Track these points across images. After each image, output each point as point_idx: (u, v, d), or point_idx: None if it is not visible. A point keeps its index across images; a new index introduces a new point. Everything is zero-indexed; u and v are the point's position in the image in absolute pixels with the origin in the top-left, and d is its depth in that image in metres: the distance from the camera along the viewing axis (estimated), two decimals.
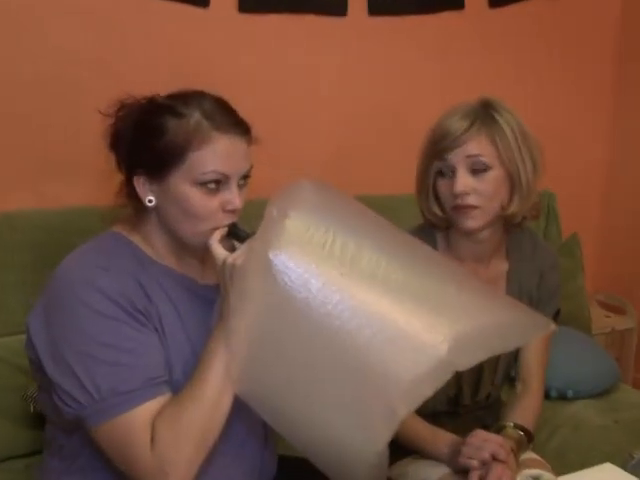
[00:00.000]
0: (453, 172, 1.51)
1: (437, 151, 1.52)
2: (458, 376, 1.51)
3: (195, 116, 1.23)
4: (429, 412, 1.56)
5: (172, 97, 1.29)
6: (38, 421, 1.63)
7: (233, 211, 1.26)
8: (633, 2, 2.68)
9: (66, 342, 1.18)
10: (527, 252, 1.65)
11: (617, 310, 2.88)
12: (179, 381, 1.23)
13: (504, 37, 2.49)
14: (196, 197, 1.23)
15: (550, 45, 2.59)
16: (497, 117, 1.51)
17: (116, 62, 1.96)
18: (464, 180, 1.49)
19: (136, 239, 1.31)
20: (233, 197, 1.25)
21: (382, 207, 1.85)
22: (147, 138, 1.25)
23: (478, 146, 1.49)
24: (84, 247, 1.29)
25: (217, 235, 1.25)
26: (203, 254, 1.36)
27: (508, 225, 1.59)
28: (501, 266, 1.64)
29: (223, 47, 2.09)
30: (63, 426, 1.27)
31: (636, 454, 1.44)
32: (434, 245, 1.62)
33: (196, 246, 1.29)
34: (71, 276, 1.21)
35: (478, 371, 1.62)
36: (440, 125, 1.53)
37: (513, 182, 1.53)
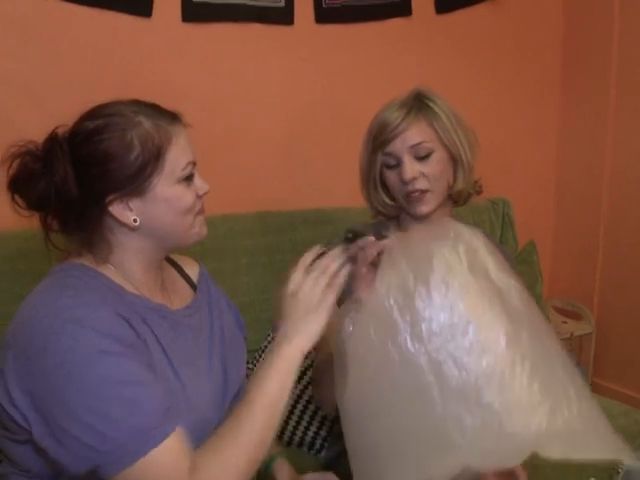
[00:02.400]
0: (398, 161, 1.55)
1: (379, 143, 1.56)
2: None
3: (144, 120, 1.18)
4: None
5: (99, 115, 1.19)
6: None
7: (204, 195, 1.26)
8: (573, 6, 2.71)
9: (62, 393, 1.05)
10: None
11: (573, 315, 2.87)
12: None
13: (451, 42, 2.48)
14: (182, 193, 1.21)
15: (496, 49, 2.59)
16: (431, 104, 1.57)
17: (52, 74, 1.87)
18: (411, 167, 1.54)
19: (104, 270, 1.21)
20: (201, 182, 1.26)
21: (333, 219, 1.82)
22: (109, 162, 1.16)
23: (419, 133, 1.54)
24: (47, 287, 1.17)
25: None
26: (162, 274, 1.33)
27: (456, 204, 1.66)
28: None
29: (167, 57, 2.02)
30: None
31: (621, 467, 1.40)
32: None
33: (187, 243, 1.27)
34: (50, 323, 1.08)
35: None
36: (378, 118, 1.58)
37: (455, 161, 1.60)
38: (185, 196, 1.21)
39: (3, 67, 1.81)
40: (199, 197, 1.26)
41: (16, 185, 1.18)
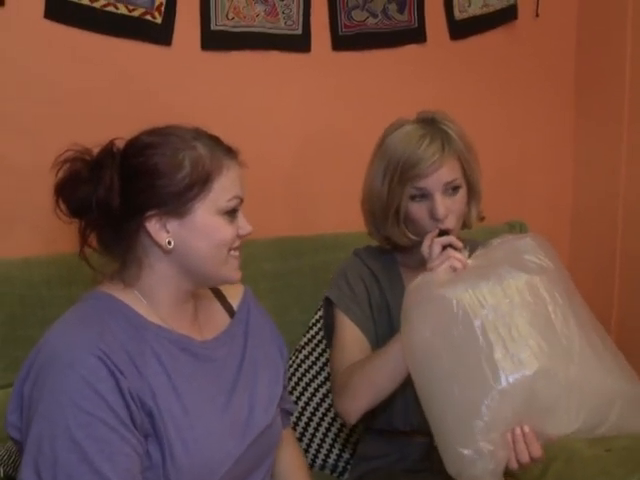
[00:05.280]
0: (428, 196, 1.53)
1: (412, 176, 1.52)
2: None
3: (200, 146, 1.21)
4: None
5: (159, 133, 1.23)
6: None
7: (245, 236, 1.26)
8: (586, 31, 2.72)
9: (39, 424, 1.09)
10: None
11: None
12: (180, 458, 1.15)
13: (465, 68, 2.49)
14: (222, 226, 1.21)
15: (511, 75, 2.60)
16: (450, 132, 1.56)
17: (77, 103, 1.89)
18: (443, 204, 1.52)
19: (129, 298, 1.23)
20: (244, 222, 1.26)
21: (351, 243, 1.83)
22: (156, 177, 1.19)
23: (452, 170, 1.54)
24: (68, 318, 1.20)
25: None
26: (197, 301, 1.32)
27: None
28: None
29: (186, 85, 2.04)
30: None
31: None
32: (395, 264, 1.69)
33: (215, 280, 1.28)
34: (54, 356, 1.13)
35: None
36: (408, 151, 1.52)
37: (471, 192, 1.61)
38: (224, 229, 1.22)
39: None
40: (239, 236, 1.25)
41: (62, 188, 1.22)
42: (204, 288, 1.37)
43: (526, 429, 1.28)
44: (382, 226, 1.62)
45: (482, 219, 1.68)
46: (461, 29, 2.45)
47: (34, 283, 1.69)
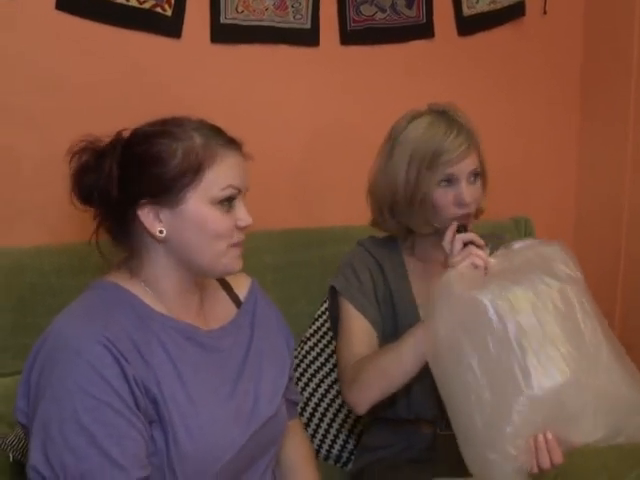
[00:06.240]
0: (452, 183, 1.58)
1: (441, 163, 1.56)
2: None
3: (196, 136, 1.21)
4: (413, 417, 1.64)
5: (158, 123, 1.26)
6: (18, 470, 1.54)
7: (244, 228, 1.25)
8: (593, 28, 2.72)
9: (47, 410, 1.12)
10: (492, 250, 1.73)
11: None
12: (184, 445, 1.17)
13: (473, 64, 2.50)
14: (215, 216, 1.21)
15: (518, 71, 2.61)
16: (470, 125, 1.62)
17: (87, 95, 1.90)
18: (469, 190, 1.58)
19: (135, 287, 1.25)
20: (244, 213, 1.24)
21: (359, 235, 1.85)
22: (150, 165, 1.20)
23: (475, 160, 1.60)
24: (75, 307, 1.23)
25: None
26: (202, 291, 1.33)
27: None
28: None
29: (195, 78, 2.05)
30: None
31: None
32: (399, 254, 1.72)
33: (214, 272, 1.27)
34: (61, 344, 1.15)
35: None
36: (439, 140, 1.57)
37: (484, 182, 1.67)
38: (218, 220, 1.22)
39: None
40: (239, 228, 1.25)
41: (73, 176, 1.26)
42: (209, 279, 1.38)
43: (549, 436, 1.29)
44: (403, 214, 1.64)
45: (482, 212, 1.71)
46: (469, 25, 2.46)
47: (44, 272, 1.71)
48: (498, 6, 2.51)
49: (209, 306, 1.36)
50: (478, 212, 1.67)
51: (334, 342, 1.96)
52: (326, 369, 1.96)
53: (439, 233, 1.58)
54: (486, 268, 1.43)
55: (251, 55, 2.14)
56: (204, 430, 1.20)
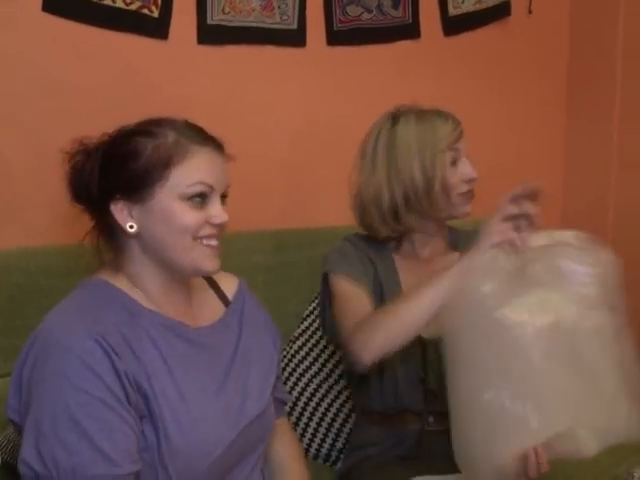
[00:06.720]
0: (456, 161, 1.66)
1: (451, 141, 1.65)
2: (423, 357, 1.64)
3: (171, 134, 1.23)
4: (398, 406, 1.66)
5: (141, 123, 1.28)
6: (8, 472, 1.54)
7: (219, 225, 1.25)
8: (579, 28, 2.74)
9: (38, 404, 1.14)
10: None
11: None
12: (175, 440, 1.18)
13: (459, 64, 2.51)
14: (184, 211, 1.22)
15: (504, 71, 2.62)
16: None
17: (76, 96, 1.91)
18: (472, 165, 1.67)
19: (122, 284, 1.26)
20: (218, 211, 1.24)
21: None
22: (123, 162, 1.23)
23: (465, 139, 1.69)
24: (66, 305, 1.24)
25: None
26: (190, 291, 1.35)
27: None
28: (453, 257, 1.69)
29: (183, 79, 2.06)
30: None
31: (636, 472, 1.42)
32: (389, 252, 1.74)
33: (186, 269, 1.26)
34: (53, 340, 1.16)
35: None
36: (439, 124, 1.66)
37: None
38: (186, 214, 1.22)
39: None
40: (211, 225, 1.25)
41: (67, 176, 1.29)
42: (195, 278, 1.38)
43: (540, 449, 1.30)
44: (422, 208, 1.66)
45: None
46: (455, 25, 2.47)
47: (32, 273, 1.71)
48: (484, 6, 2.52)
49: (197, 305, 1.37)
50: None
51: (322, 341, 1.98)
52: (314, 368, 1.97)
53: (443, 224, 1.73)
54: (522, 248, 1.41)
55: (238, 56, 2.14)
56: (195, 426, 1.21)
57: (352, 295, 1.63)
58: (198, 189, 1.22)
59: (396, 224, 1.68)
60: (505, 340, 1.30)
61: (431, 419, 1.65)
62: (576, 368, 1.30)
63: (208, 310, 1.39)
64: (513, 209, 1.44)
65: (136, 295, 1.27)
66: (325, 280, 1.71)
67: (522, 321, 1.29)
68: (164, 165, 1.21)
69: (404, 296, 1.53)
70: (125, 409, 1.15)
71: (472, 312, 1.33)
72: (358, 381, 1.73)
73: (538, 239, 1.41)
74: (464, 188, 1.66)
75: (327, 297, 1.71)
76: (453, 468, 1.39)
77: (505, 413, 1.28)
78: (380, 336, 1.47)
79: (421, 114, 1.68)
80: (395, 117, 1.69)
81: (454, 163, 1.66)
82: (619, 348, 1.33)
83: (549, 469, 1.32)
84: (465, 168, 1.66)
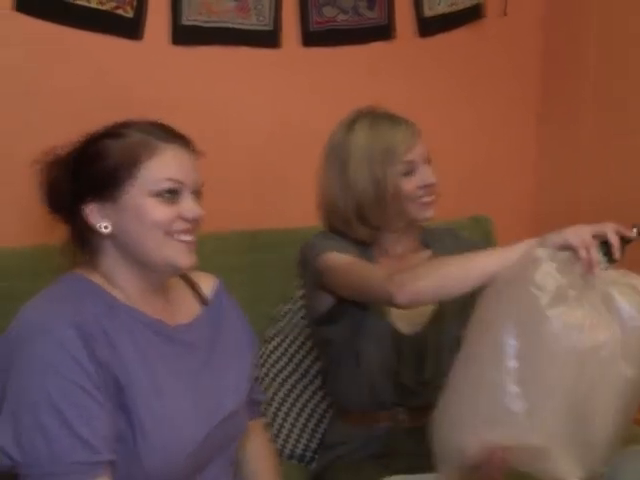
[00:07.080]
0: (412, 169, 1.64)
1: (400, 153, 1.63)
2: (399, 351, 1.64)
3: (136, 134, 1.25)
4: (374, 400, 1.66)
5: (108, 127, 1.29)
6: None
7: (192, 220, 1.26)
8: (553, 30, 2.76)
9: (16, 390, 1.13)
10: (447, 242, 1.78)
11: None
12: (150, 434, 1.18)
13: (434, 65, 2.53)
14: (154, 207, 1.23)
15: (478, 72, 2.64)
16: (398, 114, 1.69)
17: (50, 97, 1.90)
18: (429, 171, 1.66)
19: (99, 281, 1.26)
20: (190, 205, 1.25)
21: None
22: (92, 164, 1.23)
23: (423, 144, 1.67)
24: (43, 297, 1.24)
25: None
26: (167, 290, 1.35)
27: None
28: (424, 254, 1.74)
29: (157, 79, 2.06)
30: None
31: None
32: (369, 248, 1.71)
33: (160, 265, 1.26)
34: (32, 329, 1.16)
35: (420, 347, 1.66)
36: (390, 134, 1.64)
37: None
38: (157, 210, 1.23)
39: None
40: (183, 219, 1.25)
41: (41, 188, 1.29)
42: (173, 277, 1.39)
43: (509, 452, 1.31)
44: (375, 216, 1.66)
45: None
46: (430, 26, 2.49)
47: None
48: (460, 7, 2.54)
49: (175, 304, 1.38)
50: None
51: (296, 341, 1.98)
52: (289, 368, 1.97)
53: (412, 225, 1.69)
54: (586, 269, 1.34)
55: (212, 57, 2.15)
56: (170, 421, 1.22)
57: (355, 260, 1.61)
58: (167, 185, 1.24)
59: (363, 227, 1.68)
60: (543, 338, 1.27)
61: (404, 416, 1.66)
62: (586, 400, 1.29)
63: (186, 309, 1.39)
64: (612, 235, 1.35)
65: (114, 292, 1.27)
66: (311, 266, 1.67)
67: (569, 331, 1.27)
68: (132, 163, 1.22)
69: (460, 255, 1.50)
70: (103, 397, 1.15)
71: (524, 294, 1.29)
72: (334, 376, 1.74)
73: (607, 273, 1.35)
74: (420, 194, 1.65)
75: (317, 280, 1.67)
76: (426, 467, 1.40)
77: (502, 400, 1.28)
78: (426, 282, 1.44)
79: (375, 122, 1.66)
80: (350, 124, 1.69)
81: (408, 173, 1.64)
82: (630, 403, 1.33)
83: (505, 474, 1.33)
84: (421, 174, 1.64)
